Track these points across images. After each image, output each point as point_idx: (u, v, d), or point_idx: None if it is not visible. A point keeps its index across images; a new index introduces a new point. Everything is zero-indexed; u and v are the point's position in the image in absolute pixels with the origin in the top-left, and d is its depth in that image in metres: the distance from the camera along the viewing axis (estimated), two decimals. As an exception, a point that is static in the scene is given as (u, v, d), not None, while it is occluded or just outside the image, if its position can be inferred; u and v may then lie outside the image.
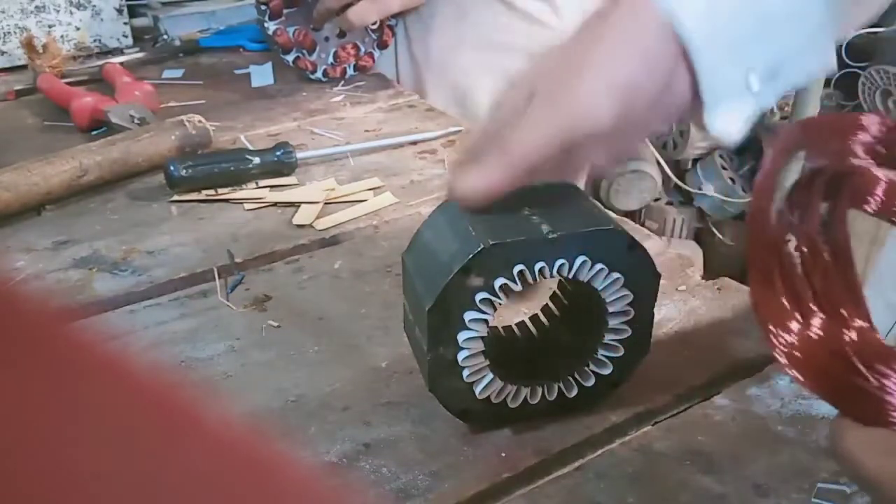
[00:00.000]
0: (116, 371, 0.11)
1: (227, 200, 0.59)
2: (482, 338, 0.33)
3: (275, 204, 0.58)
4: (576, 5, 0.86)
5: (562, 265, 0.33)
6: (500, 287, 0.32)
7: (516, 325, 0.40)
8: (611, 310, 0.34)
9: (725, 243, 1.75)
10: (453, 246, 0.33)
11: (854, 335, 0.26)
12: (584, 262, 0.33)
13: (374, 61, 0.83)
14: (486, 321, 0.33)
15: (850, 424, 0.26)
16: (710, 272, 0.48)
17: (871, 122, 0.33)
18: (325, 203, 0.58)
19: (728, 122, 0.36)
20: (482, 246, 0.32)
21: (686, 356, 0.41)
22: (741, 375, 0.40)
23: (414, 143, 0.68)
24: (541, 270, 0.33)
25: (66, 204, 0.59)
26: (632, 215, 1.67)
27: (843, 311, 0.27)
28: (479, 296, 0.32)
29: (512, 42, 0.85)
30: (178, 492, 0.09)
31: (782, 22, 0.34)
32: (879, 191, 0.31)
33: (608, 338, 0.35)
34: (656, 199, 1.77)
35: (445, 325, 0.33)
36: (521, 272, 0.32)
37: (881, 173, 0.31)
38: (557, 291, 0.40)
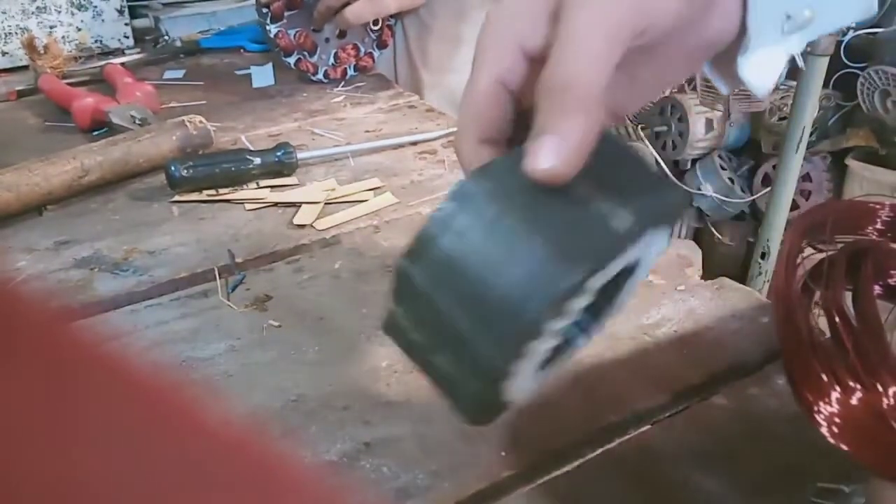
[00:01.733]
0: (118, 371, 0.11)
1: (227, 201, 0.59)
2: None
3: (275, 204, 0.59)
4: None
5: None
6: (578, 310, 0.25)
7: None
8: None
9: (724, 243, 1.76)
10: (515, 271, 0.23)
11: (892, 400, 0.27)
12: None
13: (374, 61, 0.83)
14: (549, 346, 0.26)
15: (886, 485, 0.26)
16: (708, 272, 0.48)
17: (882, 208, 0.34)
18: (326, 203, 0.58)
19: (761, 70, 0.31)
20: (574, 278, 0.23)
21: (685, 356, 0.42)
22: (740, 375, 0.40)
23: (414, 143, 0.68)
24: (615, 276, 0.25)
25: (67, 204, 0.59)
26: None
27: (879, 378, 0.27)
28: (550, 325, 0.24)
29: None
30: (179, 491, 0.09)
31: None
32: None
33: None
34: (656, 200, 1.77)
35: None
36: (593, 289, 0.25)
37: None
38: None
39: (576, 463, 0.35)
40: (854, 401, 0.27)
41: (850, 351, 0.28)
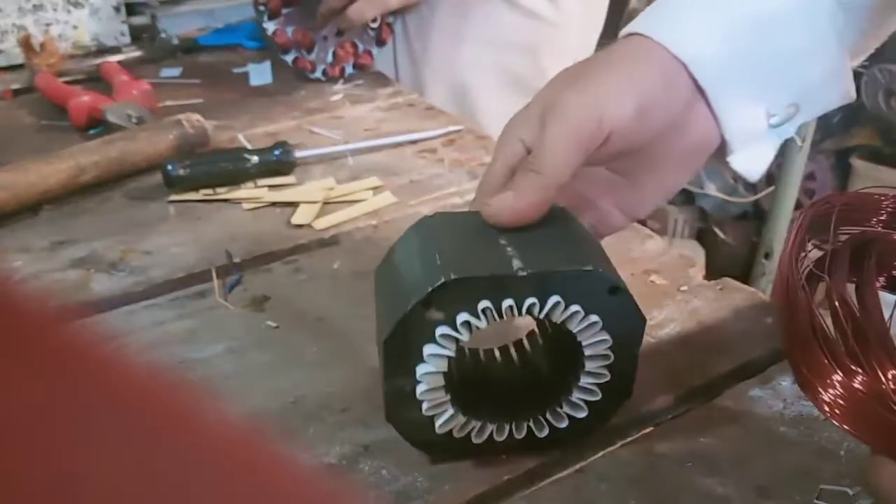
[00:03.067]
0: (114, 372, 0.10)
1: (225, 200, 0.59)
2: (443, 373, 0.31)
3: (273, 203, 0.58)
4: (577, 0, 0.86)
5: (532, 304, 0.30)
6: (463, 323, 0.30)
7: (499, 348, 0.38)
8: (588, 353, 0.32)
9: (727, 243, 1.75)
10: (418, 274, 0.31)
11: (891, 383, 0.28)
12: (557, 302, 0.30)
13: (372, 59, 0.83)
14: (446, 357, 0.31)
15: (884, 461, 0.27)
16: (711, 272, 0.48)
17: (886, 199, 0.35)
18: (324, 203, 0.58)
19: (752, 161, 0.36)
20: (443, 279, 0.29)
21: (688, 357, 0.41)
22: (743, 376, 0.40)
23: (413, 142, 0.68)
24: (508, 308, 0.30)
25: (63, 204, 0.59)
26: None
27: (879, 362, 0.28)
28: (440, 330, 0.30)
29: (512, 39, 0.84)
30: (177, 493, 0.09)
31: (800, 59, 0.34)
32: None
33: (585, 381, 0.33)
34: (657, 199, 1.77)
35: (403, 357, 0.31)
36: (485, 309, 0.30)
37: None
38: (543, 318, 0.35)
39: (577, 465, 0.34)
40: (856, 384, 0.28)
41: (850, 336, 0.28)
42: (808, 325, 0.29)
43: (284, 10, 0.77)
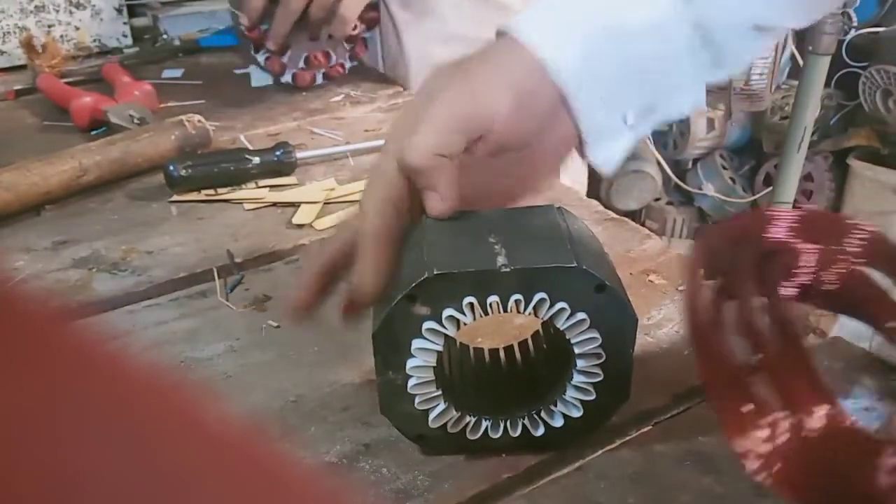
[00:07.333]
0: (116, 371, 0.11)
1: (226, 200, 0.59)
2: (433, 367, 0.32)
3: (274, 204, 0.58)
4: None
5: (517, 300, 0.31)
6: (448, 318, 0.31)
7: (504, 349, 0.38)
8: (578, 351, 0.32)
9: (725, 243, 1.75)
10: (406, 270, 0.32)
11: (821, 422, 0.26)
12: (542, 299, 0.31)
13: (379, 12, 0.81)
14: (435, 351, 0.31)
15: None
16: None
17: (784, 214, 0.34)
18: (325, 203, 0.58)
19: (608, 155, 0.39)
20: (427, 274, 0.30)
21: (686, 356, 0.41)
22: (741, 375, 0.40)
23: (414, 142, 0.68)
24: (493, 304, 0.31)
25: (65, 204, 0.59)
26: (632, 215, 1.67)
27: (803, 398, 0.26)
28: (427, 325, 0.31)
29: (486, 36, 0.83)
30: (178, 492, 0.09)
31: (652, 67, 0.37)
32: (810, 259, 0.32)
33: (578, 379, 0.33)
34: (657, 199, 1.77)
35: (393, 352, 0.32)
36: (470, 304, 0.31)
37: (804, 246, 0.32)
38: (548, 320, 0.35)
39: (576, 464, 0.35)
40: (781, 436, 0.26)
41: (768, 369, 0.27)
42: (725, 375, 0.28)
43: (285, 59, 0.77)
